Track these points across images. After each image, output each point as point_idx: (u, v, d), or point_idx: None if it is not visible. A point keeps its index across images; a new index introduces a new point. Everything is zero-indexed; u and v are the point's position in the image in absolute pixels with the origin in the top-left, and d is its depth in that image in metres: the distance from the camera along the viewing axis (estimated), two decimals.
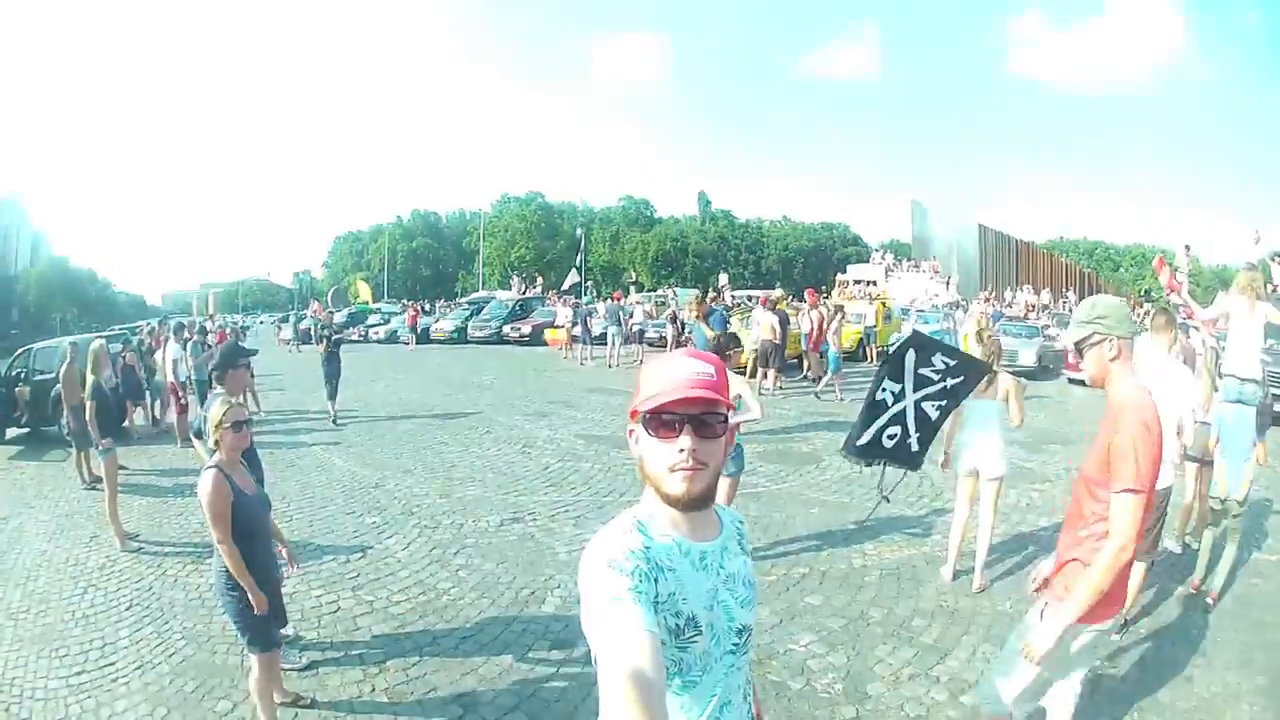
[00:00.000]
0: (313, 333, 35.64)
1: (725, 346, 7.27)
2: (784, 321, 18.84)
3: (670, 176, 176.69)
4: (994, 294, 40.92)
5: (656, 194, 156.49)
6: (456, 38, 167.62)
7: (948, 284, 42.52)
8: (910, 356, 6.63)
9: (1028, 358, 21.61)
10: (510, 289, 49.01)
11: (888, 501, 7.35)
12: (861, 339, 23.83)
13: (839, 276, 45.68)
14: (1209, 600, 6.92)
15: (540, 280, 49.73)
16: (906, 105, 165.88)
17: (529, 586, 6.58)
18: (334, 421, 14.22)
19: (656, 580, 1.80)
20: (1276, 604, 7.22)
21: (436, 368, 24.35)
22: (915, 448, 6.61)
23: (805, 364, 20.67)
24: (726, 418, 1.91)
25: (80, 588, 7.04)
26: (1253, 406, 7.34)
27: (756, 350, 18.57)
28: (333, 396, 15.12)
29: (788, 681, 5.34)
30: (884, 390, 6.70)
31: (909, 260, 49.69)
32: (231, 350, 6.14)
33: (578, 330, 26.19)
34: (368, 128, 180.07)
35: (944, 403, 6.64)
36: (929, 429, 6.60)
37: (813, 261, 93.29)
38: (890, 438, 6.70)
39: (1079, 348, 3.60)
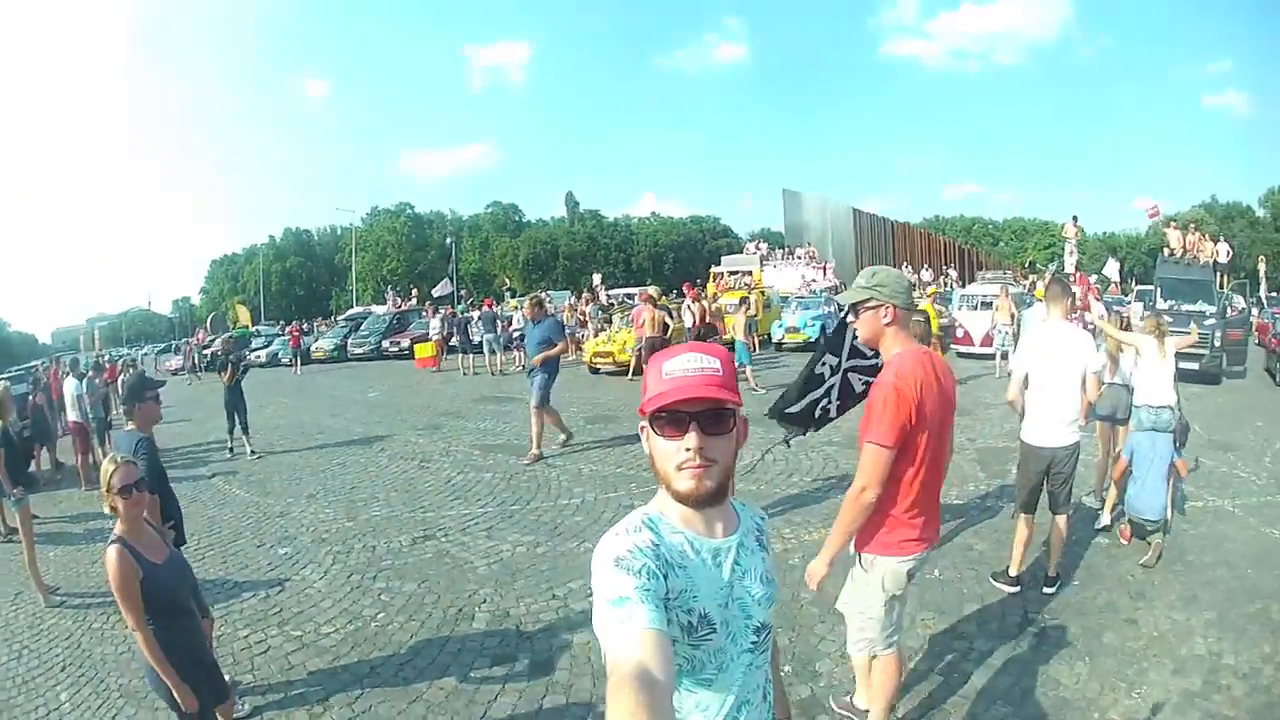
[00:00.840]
0: (196, 361, 34.69)
1: (704, 339, 7.26)
2: (667, 317, 18.84)
3: (537, 180, 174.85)
4: None
5: (525, 198, 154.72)
6: (321, 51, 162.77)
7: (824, 270, 42.80)
8: (851, 333, 6.27)
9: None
10: (385, 303, 48.01)
11: (787, 445, 7.26)
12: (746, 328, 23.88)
13: (714, 269, 45.75)
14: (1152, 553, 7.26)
15: (415, 292, 48.86)
16: (777, 96, 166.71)
17: (455, 604, 6.43)
18: (250, 454, 13.29)
19: (666, 577, 1.76)
20: (1209, 547, 7.65)
21: (322, 388, 23.72)
22: (833, 414, 6.48)
23: None
24: (736, 413, 1.85)
25: (14, 651, 6.56)
26: (1167, 434, 7.74)
27: (641, 348, 18.57)
28: (245, 429, 14.01)
29: None
30: (823, 364, 6.54)
31: (784, 248, 50.00)
32: (139, 383, 5.80)
33: (455, 340, 25.78)
34: (234, 145, 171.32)
35: (871, 379, 6.31)
36: (851, 399, 6.45)
37: (683, 256, 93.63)
38: (823, 410, 6.57)
39: (855, 309, 3.96)
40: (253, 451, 13.55)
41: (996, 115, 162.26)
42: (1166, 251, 24.93)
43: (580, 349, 24.38)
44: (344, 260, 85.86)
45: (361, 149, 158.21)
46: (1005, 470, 10.02)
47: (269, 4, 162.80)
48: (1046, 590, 6.69)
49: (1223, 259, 26.41)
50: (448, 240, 78.83)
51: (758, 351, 22.54)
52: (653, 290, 23.97)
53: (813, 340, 23.80)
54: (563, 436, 12.17)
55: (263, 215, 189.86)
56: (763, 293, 28.41)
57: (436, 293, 46.21)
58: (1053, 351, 6.43)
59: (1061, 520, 6.76)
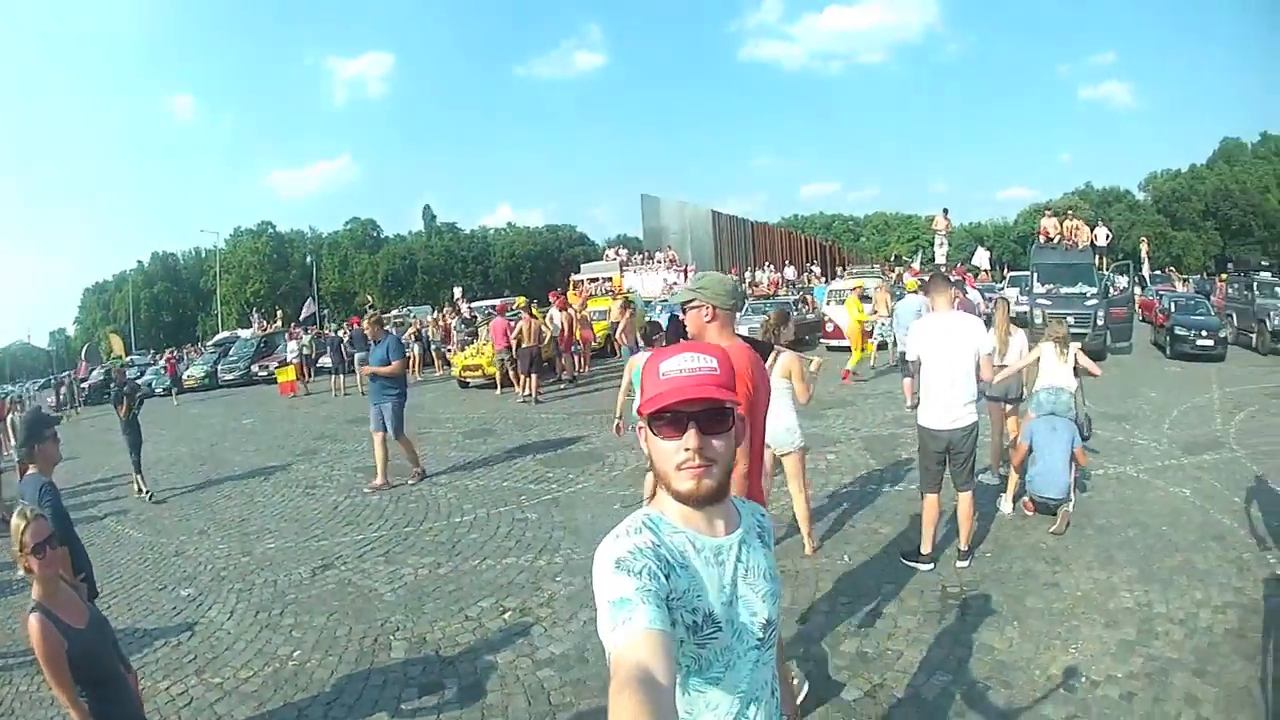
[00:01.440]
0: (75, 395, 33.13)
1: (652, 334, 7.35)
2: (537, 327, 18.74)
3: (396, 194, 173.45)
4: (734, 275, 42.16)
5: (384, 213, 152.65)
6: (186, 67, 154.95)
7: (686, 273, 42.64)
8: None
9: None
10: (250, 326, 46.42)
11: None
12: (608, 334, 24.27)
13: (574, 276, 45.78)
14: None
15: (280, 314, 47.61)
16: (635, 102, 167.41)
17: (369, 635, 6.32)
18: (149, 498, 12.05)
19: (668, 577, 1.74)
20: (1118, 510, 8.21)
21: (197, 418, 22.81)
22: None
23: (559, 366, 20.81)
24: (734, 412, 1.84)
25: None
26: (1066, 418, 8.14)
27: (511, 358, 18.73)
28: (139, 468, 12.67)
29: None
30: None
31: (643, 253, 50.09)
32: (36, 420, 5.43)
33: (326, 360, 25.36)
34: (100, 165, 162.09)
35: None
36: None
37: (540, 265, 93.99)
38: None
39: (684, 308, 4.17)
40: (144, 491, 12.36)
41: (858, 114, 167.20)
42: (1043, 238, 25.89)
43: (449, 363, 24.31)
44: (209, 283, 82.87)
45: (226, 166, 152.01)
46: (894, 455, 10.57)
47: (132, 19, 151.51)
48: (960, 564, 6.99)
49: (1102, 242, 27.85)
50: (308, 259, 77.14)
51: (619, 358, 22.71)
52: (520, 300, 24.12)
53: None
54: (418, 469, 11.47)
55: (133, 240, 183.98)
56: (628, 297, 28.42)
57: (303, 315, 44.74)
58: (944, 338, 6.71)
59: (966, 497, 7.03)
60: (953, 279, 12.05)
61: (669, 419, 1.79)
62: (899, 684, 5.15)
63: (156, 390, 31.62)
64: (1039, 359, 8.60)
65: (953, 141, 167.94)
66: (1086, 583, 6.61)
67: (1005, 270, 42.35)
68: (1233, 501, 8.61)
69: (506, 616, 6.52)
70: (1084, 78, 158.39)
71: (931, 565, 7.01)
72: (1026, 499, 8.17)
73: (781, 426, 7.04)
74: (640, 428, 1.90)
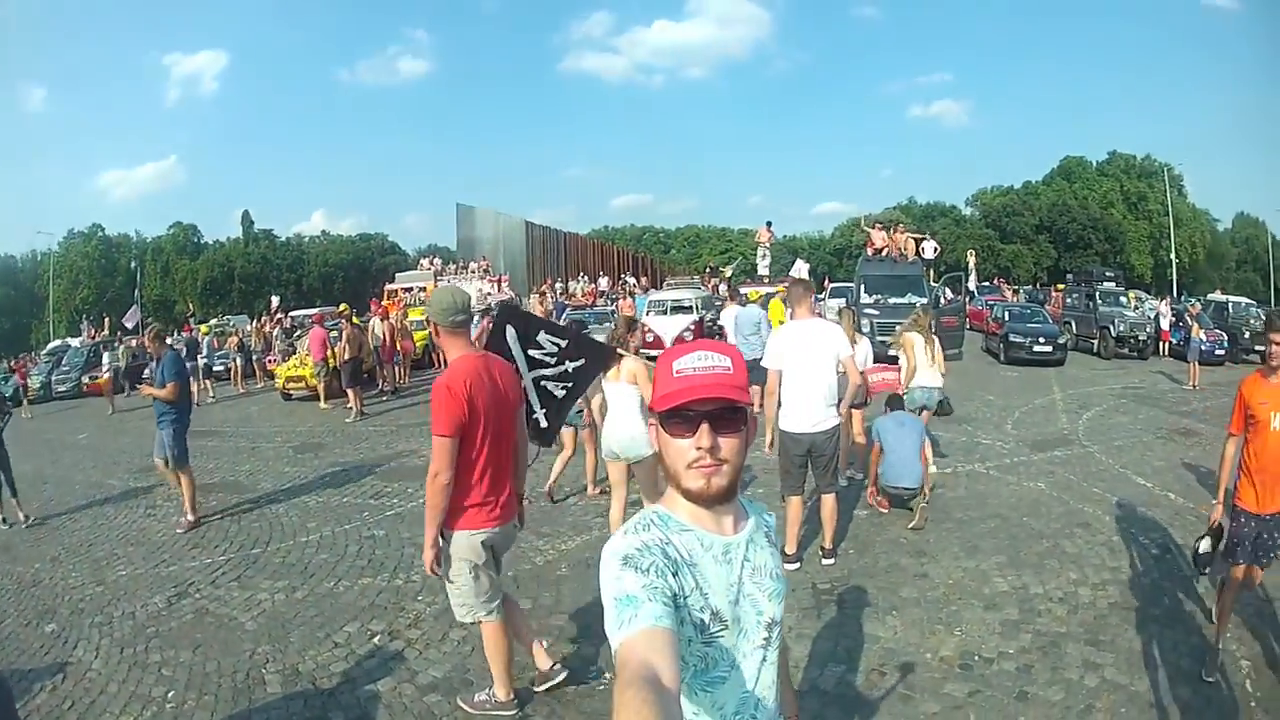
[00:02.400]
0: None
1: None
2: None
3: (218, 197, 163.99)
4: (550, 286, 42.39)
5: (206, 217, 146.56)
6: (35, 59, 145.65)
7: (499, 283, 42.93)
8: (510, 332, 6.14)
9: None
10: (80, 334, 43.48)
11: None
12: (426, 345, 23.79)
13: (388, 286, 45.13)
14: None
15: (107, 321, 45.41)
16: (456, 110, 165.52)
17: (239, 669, 5.98)
18: (25, 524, 10.61)
19: (676, 574, 1.72)
20: (974, 504, 8.69)
21: (32, 433, 20.80)
22: (543, 423, 6.31)
23: (380, 377, 20.70)
24: (746, 412, 1.82)
25: None
26: (932, 409, 9.04)
27: (331, 369, 18.44)
28: (14, 492, 10.91)
29: (565, 687, 5.32)
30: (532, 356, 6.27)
31: (457, 263, 49.74)
32: None
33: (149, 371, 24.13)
34: None
35: (570, 384, 6.36)
36: (555, 404, 6.31)
37: (352, 275, 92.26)
38: (535, 422, 6.26)
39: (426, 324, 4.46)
40: (26, 517, 10.79)
41: (679, 127, 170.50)
42: (870, 250, 26.73)
43: (271, 375, 23.71)
44: (42, 288, 78.33)
45: (65, 164, 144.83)
46: (746, 462, 10.54)
47: None
48: (825, 562, 7.26)
49: (930, 255, 28.89)
50: (132, 264, 74.03)
51: (438, 368, 21.76)
52: (343, 308, 23.72)
53: None
54: (190, 517, 9.93)
55: None
56: None
57: (128, 323, 42.54)
58: (806, 345, 6.93)
59: (830, 498, 7.32)
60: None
61: (682, 417, 1.76)
62: (794, 679, 5.12)
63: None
64: (908, 347, 9.00)
65: (772, 156, 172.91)
66: (957, 571, 6.96)
67: (826, 282, 43.68)
68: (1092, 492, 9.17)
69: (376, 640, 6.36)
70: (916, 96, 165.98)
71: (797, 564, 7.20)
72: (881, 496, 8.54)
73: (629, 434, 7.10)
74: (651, 424, 1.88)
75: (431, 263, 50.06)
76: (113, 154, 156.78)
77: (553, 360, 6.16)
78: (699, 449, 1.75)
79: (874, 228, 28.37)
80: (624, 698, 1.39)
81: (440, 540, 4.62)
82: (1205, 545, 5.73)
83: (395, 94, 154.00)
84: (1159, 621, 6.21)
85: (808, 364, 6.97)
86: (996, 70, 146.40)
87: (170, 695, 5.73)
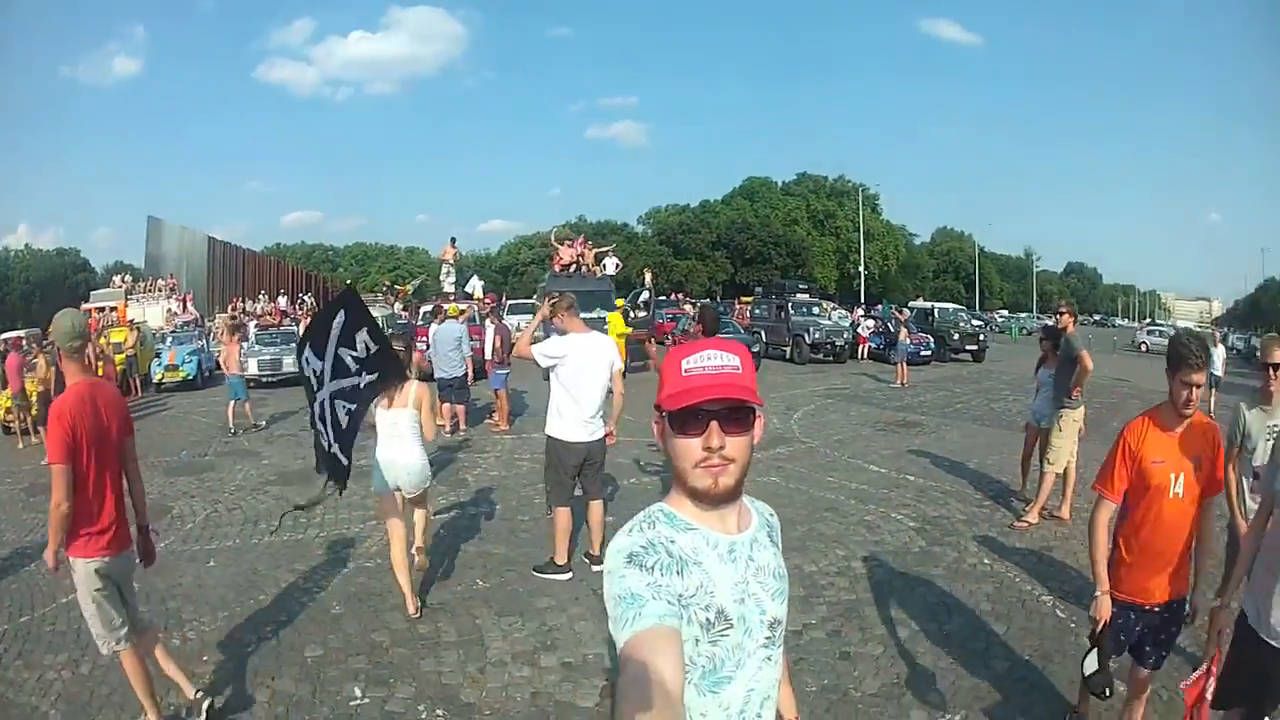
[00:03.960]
0: None
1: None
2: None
3: None
4: (235, 305, 41.31)
5: None
6: None
7: (185, 302, 40.97)
8: (339, 320, 5.63)
9: (292, 363, 21.56)
10: None
11: (299, 509, 6.67)
12: (124, 369, 21.78)
13: (84, 305, 42.19)
14: None
15: None
16: (155, 114, 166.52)
17: None
18: None
19: (681, 573, 1.72)
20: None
21: None
22: (344, 460, 5.83)
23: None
24: (755, 411, 1.80)
25: None
26: None
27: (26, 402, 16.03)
28: None
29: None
30: (309, 366, 5.75)
31: (146, 281, 46.77)
32: None
33: None
34: None
35: (353, 406, 5.79)
36: (344, 436, 5.81)
37: (50, 293, 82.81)
38: (328, 449, 5.84)
39: None
40: None
41: (353, 144, 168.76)
42: (557, 265, 27.31)
43: None
44: None
45: None
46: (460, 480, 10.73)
47: None
48: (596, 569, 7.15)
49: (611, 270, 29.32)
50: None
51: (139, 395, 21.08)
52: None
53: (190, 378, 22.92)
54: None
55: None
56: (139, 328, 26.48)
57: None
58: (587, 357, 7.02)
59: (599, 504, 7.47)
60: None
61: (690, 416, 1.73)
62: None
63: None
64: None
65: (442, 174, 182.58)
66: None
67: (505, 299, 44.43)
68: (827, 481, 9.74)
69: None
70: (596, 117, 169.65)
71: (570, 574, 7.24)
72: None
73: (414, 464, 6.81)
74: (657, 421, 1.84)
75: (123, 280, 46.80)
76: None
77: (355, 367, 5.65)
78: (708, 448, 1.74)
79: (563, 243, 29.01)
80: (628, 697, 1.45)
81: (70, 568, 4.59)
82: (1093, 662, 4.35)
83: (109, 94, 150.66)
84: (944, 578, 6.90)
85: (587, 375, 7.11)
86: (680, 94, 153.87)
87: None
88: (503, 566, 7.65)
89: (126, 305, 39.38)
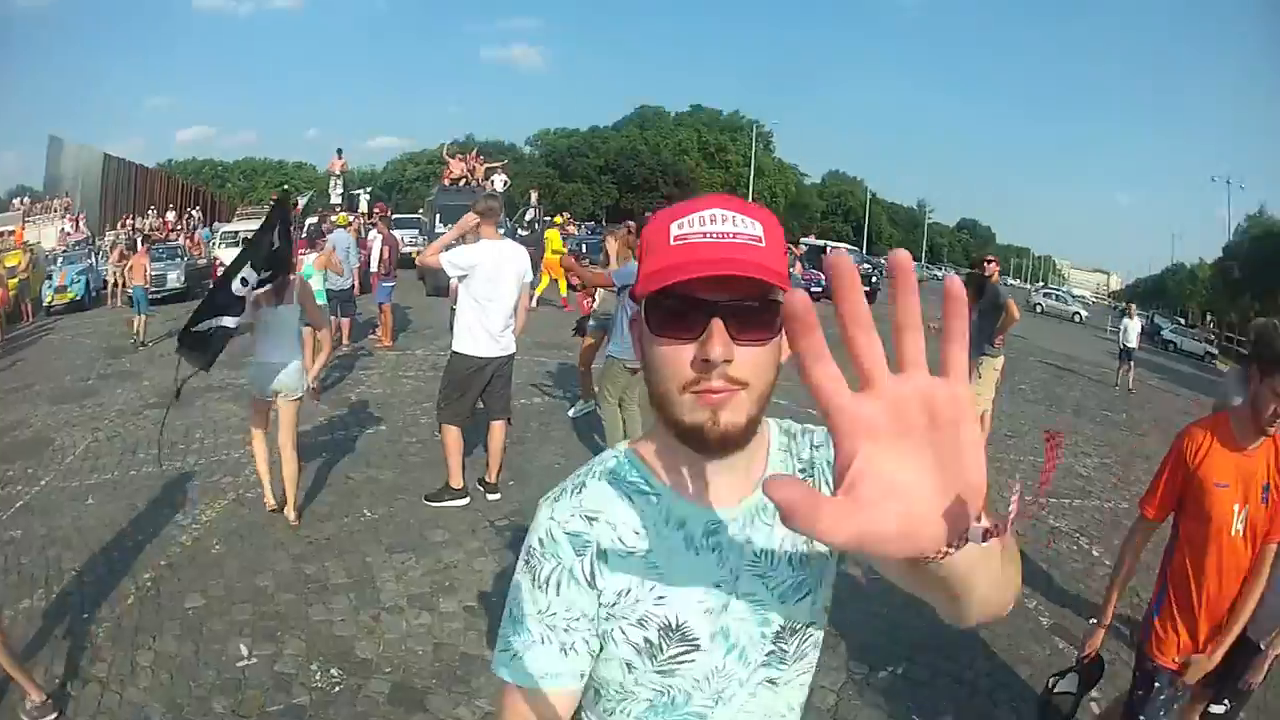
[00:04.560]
0: None
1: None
2: None
3: None
4: (125, 222, 39.60)
5: None
6: None
7: (78, 222, 39.20)
8: (277, 233, 5.89)
9: (176, 279, 22.10)
10: None
11: (177, 399, 6.46)
12: (16, 294, 20.49)
13: None
14: None
15: None
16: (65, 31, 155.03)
17: None
18: None
19: (593, 580, 1.18)
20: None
21: None
22: (207, 329, 5.70)
23: None
24: (779, 307, 1.05)
25: None
26: None
27: None
28: None
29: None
30: (242, 277, 5.71)
31: (43, 202, 44.56)
32: None
33: None
34: None
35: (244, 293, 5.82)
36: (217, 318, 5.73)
37: None
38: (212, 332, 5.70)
39: None
40: None
41: (251, 58, 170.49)
42: (447, 180, 26.83)
43: None
44: None
45: None
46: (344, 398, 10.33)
47: None
48: (491, 497, 6.93)
49: (500, 187, 28.57)
50: None
51: (30, 320, 20.05)
52: None
53: (79, 298, 22.18)
54: None
55: None
56: (32, 251, 25.38)
57: None
58: (498, 266, 6.50)
59: (502, 425, 6.97)
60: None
61: (680, 308, 1.06)
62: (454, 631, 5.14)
63: None
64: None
65: (335, 89, 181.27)
66: None
67: (391, 212, 44.01)
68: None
69: (70, 688, 4.56)
70: (494, 39, 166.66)
71: (467, 499, 6.87)
72: None
73: (295, 366, 6.44)
74: (634, 321, 1.17)
75: (22, 203, 44.81)
76: None
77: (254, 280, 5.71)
78: (705, 360, 1.04)
79: (454, 157, 28.45)
80: None
81: None
82: (1068, 684, 3.65)
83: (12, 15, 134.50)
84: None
85: (498, 286, 6.59)
86: (583, 20, 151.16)
87: None
88: (391, 494, 7.25)
89: (24, 228, 37.81)
